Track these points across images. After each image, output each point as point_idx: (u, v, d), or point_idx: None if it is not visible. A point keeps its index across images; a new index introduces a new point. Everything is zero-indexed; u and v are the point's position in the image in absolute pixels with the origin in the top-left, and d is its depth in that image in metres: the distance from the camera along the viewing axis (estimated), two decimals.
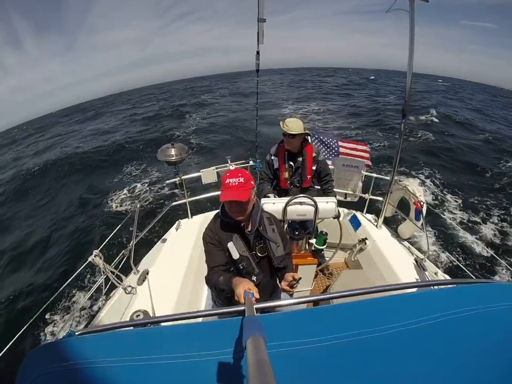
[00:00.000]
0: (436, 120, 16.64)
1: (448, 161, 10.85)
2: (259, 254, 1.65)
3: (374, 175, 3.36)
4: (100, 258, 2.06)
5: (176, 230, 3.25)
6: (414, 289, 1.24)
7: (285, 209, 2.29)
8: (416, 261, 2.62)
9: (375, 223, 3.24)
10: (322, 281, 3.15)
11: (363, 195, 3.47)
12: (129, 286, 2.36)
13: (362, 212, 3.55)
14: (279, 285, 1.64)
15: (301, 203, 2.32)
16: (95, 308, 2.37)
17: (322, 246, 2.39)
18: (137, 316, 1.84)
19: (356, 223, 3.38)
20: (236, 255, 1.58)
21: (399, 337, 0.77)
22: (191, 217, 3.48)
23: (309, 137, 2.82)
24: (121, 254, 2.57)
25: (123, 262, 2.62)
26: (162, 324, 0.91)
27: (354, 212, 3.58)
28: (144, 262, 2.80)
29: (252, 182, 1.51)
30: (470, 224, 6.88)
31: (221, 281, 1.44)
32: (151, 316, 1.90)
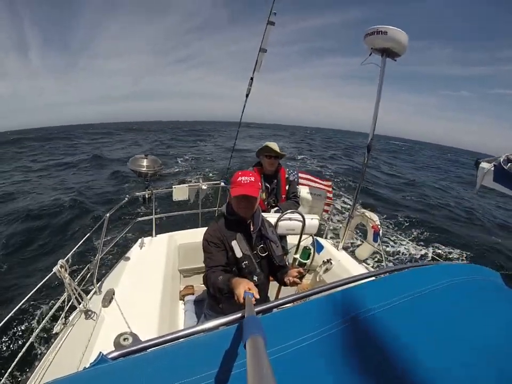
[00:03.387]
0: None
1: None
2: (260, 254, 1.73)
3: (334, 203, 3.75)
4: (66, 270, 1.76)
5: (141, 248, 2.95)
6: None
7: (276, 224, 2.38)
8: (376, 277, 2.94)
9: (336, 247, 3.55)
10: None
11: (324, 221, 3.80)
12: (90, 310, 2.02)
13: (321, 237, 3.84)
14: (286, 280, 1.66)
15: (290, 218, 2.45)
16: (51, 331, 1.93)
17: (307, 260, 2.51)
18: (124, 340, 1.57)
19: (318, 246, 3.62)
20: (239, 254, 1.62)
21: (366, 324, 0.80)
22: (155, 235, 3.22)
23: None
24: (85, 268, 2.21)
25: (87, 278, 2.25)
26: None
27: (315, 236, 3.85)
28: (108, 282, 2.44)
29: (259, 183, 1.64)
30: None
31: (220, 280, 1.45)
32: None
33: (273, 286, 1.98)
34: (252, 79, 2.74)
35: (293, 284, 1.62)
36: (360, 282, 1.01)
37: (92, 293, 2.26)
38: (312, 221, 2.55)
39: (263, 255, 1.73)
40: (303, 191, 3.69)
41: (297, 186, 3.87)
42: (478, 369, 0.74)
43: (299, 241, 2.56)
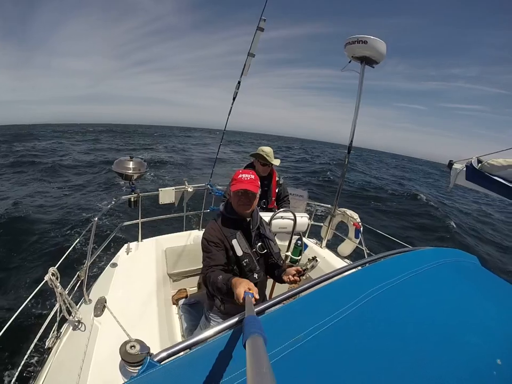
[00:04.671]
0: None
1: None
2: (259, 252, 1.77)
3: (316, 203, 3.89)
4: (57, 278, 1.68)
5: (127, 254, 2.85)
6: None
7: (270, 223, 2.44)
8: None
9: (319, 245, 3.68)
10: None
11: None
12: (82, 321, 1.93)
13: (303, 236, 3.96)
14: (285, 278, 1.69)
15: (282, 217, 2.53)
16: (44, 346, 1.79)
17: (298, 256, 2.60)
18: (131, 347, 1.52)
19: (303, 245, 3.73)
20: (240, 252, 1.65)
21: (361, 312, 0.85)
22: (141, 240, 3.13)
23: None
24: (75, 276, 2.10)
25: (77, 286, 2.14)
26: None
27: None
28: (97, 290, 2.33)
29: (258, 183, 1.70)
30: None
31: (220, 280, 1.46)
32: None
33: (268, 282, 2.02)
34: (239, 82, 2.81)
35: (292, 282, 1.66)
36: (349, 272, 1.08)
37: (81, 302, 2.16)
38: (302, 219, 2.65)
39: (262, 252, 1.78)
40: None
41: None
42: (478, 348, 0.82)
43: (290, 239, 2.63)
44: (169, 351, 0.71)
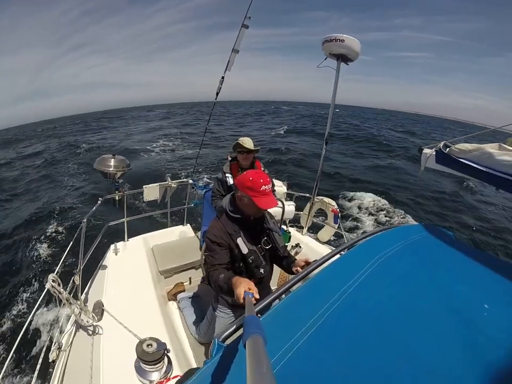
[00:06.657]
0: None
1: None
2: (264, 247, 1.76)
3: (295, 193, 4.08)
4: (59, 285, 1.65)
5: (116, 254, 2.80)
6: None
7: None
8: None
9: (300, 232, 3.88)
10: None
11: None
12: (84, 327, 1.91)
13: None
14: (294, 270, 1.70)
15: None
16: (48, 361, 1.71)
17: (288, 242, 2.76)
18: (148, 346, 1.54)
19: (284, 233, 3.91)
20: (245, 250, 1.64)
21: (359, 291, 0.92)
22: (128, 239, 3.08)
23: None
24: (71, 281, 2.05)
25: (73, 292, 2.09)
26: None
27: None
28: (92, 294, 2.29)
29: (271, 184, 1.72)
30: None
31: (221, 279, 1.46)
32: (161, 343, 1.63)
33: None
34: (222, 78, 2.86)
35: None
36: (331, 260, 1.16)
37: (78, 308, 2.11)
38: (289, 207, 2.81)
39: (267, 247, 1.77)
40: None
41: None
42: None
43: (280, 227, 2.78)
44: (227, 332, 0.77)
